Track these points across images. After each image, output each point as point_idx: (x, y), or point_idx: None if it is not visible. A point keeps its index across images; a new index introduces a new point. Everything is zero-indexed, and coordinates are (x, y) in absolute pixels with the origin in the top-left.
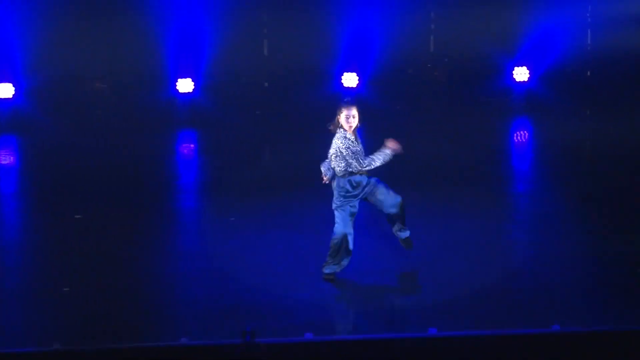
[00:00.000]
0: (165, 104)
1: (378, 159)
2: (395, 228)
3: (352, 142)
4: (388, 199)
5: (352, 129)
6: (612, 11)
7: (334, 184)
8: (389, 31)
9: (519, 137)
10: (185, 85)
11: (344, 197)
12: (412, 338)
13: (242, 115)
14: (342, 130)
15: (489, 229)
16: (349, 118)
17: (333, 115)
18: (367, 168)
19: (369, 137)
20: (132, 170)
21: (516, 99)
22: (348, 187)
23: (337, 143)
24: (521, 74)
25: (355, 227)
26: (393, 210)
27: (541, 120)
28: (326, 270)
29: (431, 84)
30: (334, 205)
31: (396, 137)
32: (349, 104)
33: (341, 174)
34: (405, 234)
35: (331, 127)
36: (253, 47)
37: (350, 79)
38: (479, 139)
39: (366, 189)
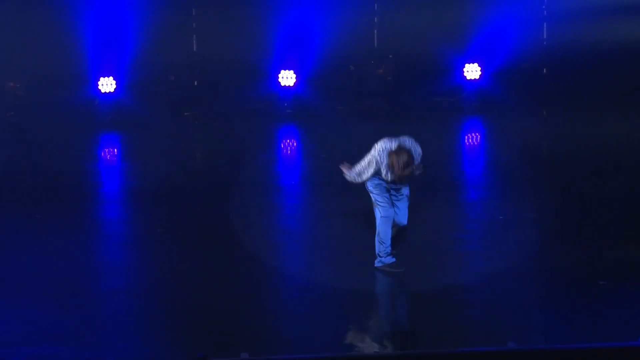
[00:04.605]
0: (86, 104)
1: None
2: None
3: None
4: (399, 215)
5: (398, 177)
6: (570, 3)
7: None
8: (329, 25)
9: (470, 140)
10: (107, 84)
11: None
12: (357, 357)
13: (169, 117)
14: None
15: (439, 239)
16: (399, 164)
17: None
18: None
19: (309, 139)
20: (49, 178)
21: (467, 98)
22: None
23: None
24: (472, 71)
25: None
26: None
27: (494, 121)
28: (387, 260)
29: (375, 82)
30: (369, 187)
31: (336, 140)
32: (401, 151)
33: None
34: (386, 259)
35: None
36: (181, 43)
37: (287, 77)
38: (427, 141)
39: (397, 188)
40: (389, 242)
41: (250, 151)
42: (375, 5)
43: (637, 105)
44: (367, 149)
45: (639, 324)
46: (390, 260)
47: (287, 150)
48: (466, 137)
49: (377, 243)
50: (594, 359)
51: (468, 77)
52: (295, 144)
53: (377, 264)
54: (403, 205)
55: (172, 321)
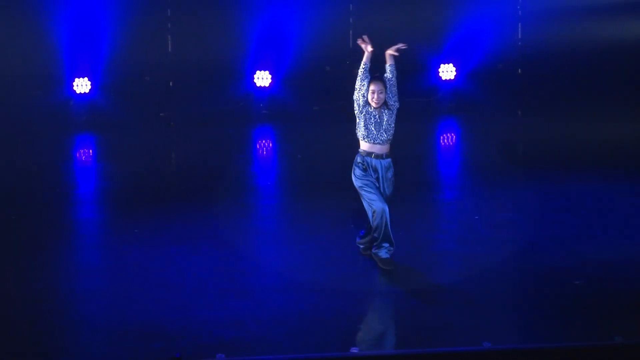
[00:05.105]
0: (61, 106)
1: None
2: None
3: (368, 114)
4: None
5: (378, 104)
6: (545, 3)
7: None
8: (304, 26)
9: (446, 140)
10: (82, 85)
11: (361, 175)
12: (334, 358)
13: (144, 118)
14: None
15: (414, 239)
16: (374, 93)
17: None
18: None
19: (285, 140)
20: (24, 180)
21: (442, 99)
22: (360, 166)
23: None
24: (448, 71)
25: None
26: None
27: (469, 121)
28: (382, 254)
29: (350, 83)
30: (356, 184)
31: (312, 141)
32: (376, 79)
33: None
34: (381, 252)
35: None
36: (156, 43)
37: (263, 78)
38: (402, 142)
39: (380, 176)
40: (389, 234)
41: (226, 152)
42: (351, 5)
43: (613, 105)
44: (343, 150)
45: (613, 323)
46: (384, 255)
47: (262, 151)
48: (441, 137)
49: (375, 234)
50: (569, 358)
51: (443, 78)
52: (271, 144)
53: (373, 249)
54: (387, 191)
55: (147, 322)
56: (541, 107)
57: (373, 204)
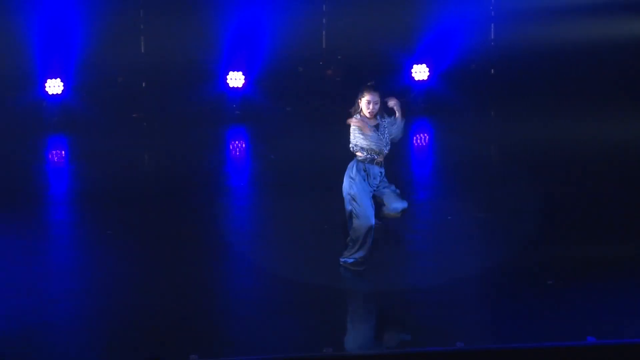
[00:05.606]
0: (33, 107)
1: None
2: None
3: (365, 126)
4: (392, 203)
5: (373, 115)
6: (517, 4)
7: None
8: (277, 26)
9: (418, 141)
10: (54, 86)
11: (360, 182)
12: (304, 358)
13: (117, 119)
14: (359, 115)
15: (388, 239)
16: (370, 104)
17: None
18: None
19: (258, 140)
20: None
21: (415, 99)
22: (362, 173)
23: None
24: (420, 72)
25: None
26: (392, 214)
27: (442, 122)
28: (349, 260)
29: (324, 83)
30: (351, 190)
31: (285, 141)
32: (372, 89)
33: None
34: (348, 260)
35: (351, 111)
36: (129, 44)
37: (236, 79)
38: None
39: (379, 185)
40: (358, 246)
41: (199, 153)
42: (324, 6)
43: (587, 104)
44: (316, 150)
45: (586, 323)
46: (351, 260)
47: (235, 152)
48: (415, 137)
49: (349, 244)
50: (541, 358)
51: (416, 78)
52: (243, 145)
53: (341, 259)
54: (389, 191)
55: (121, 323)
56: (514, 107)
57: (364, 217)
